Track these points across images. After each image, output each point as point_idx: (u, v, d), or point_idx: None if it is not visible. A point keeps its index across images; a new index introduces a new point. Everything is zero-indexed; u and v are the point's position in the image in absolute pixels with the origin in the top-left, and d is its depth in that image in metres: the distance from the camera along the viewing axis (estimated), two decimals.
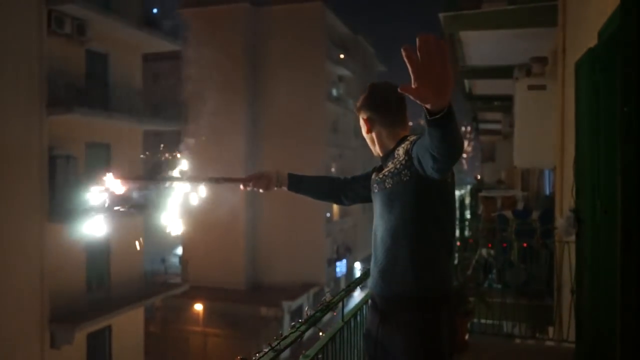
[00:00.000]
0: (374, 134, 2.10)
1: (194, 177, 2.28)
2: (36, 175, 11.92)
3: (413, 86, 1.25)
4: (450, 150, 1.49)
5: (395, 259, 1.91)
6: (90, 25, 13.06)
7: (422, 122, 1.48)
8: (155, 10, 16.22)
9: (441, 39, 1.25)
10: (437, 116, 1.35)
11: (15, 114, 11.51)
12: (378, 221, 2.01)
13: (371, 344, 2.00)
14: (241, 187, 2.30)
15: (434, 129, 1.40)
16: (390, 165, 1.98)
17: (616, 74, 2.71)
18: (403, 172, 1.90)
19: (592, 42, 3.56)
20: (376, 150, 2.14)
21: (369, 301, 2.12)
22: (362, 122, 2.15)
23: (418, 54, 1.23)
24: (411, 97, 1.29)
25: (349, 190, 2.34)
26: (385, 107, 2.09)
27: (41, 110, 11.98)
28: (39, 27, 11.92)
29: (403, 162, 1.90)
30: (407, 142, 1.94)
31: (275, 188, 2.31)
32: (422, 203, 1.90)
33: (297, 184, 2.34)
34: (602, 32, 3.36)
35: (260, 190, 2.31)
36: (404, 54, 1.24)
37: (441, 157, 1.52)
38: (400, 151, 1.94)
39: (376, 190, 2.03)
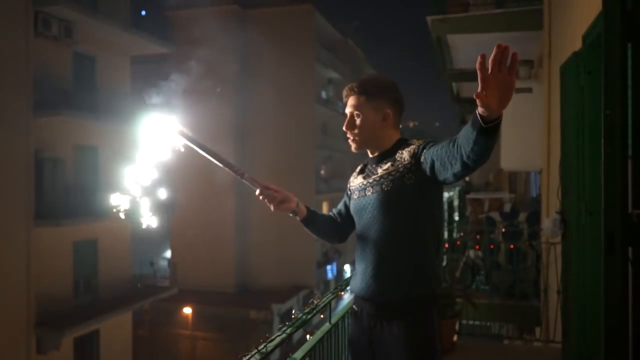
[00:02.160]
0: (381, 131, 2.01)
1: (227, 162, 2.03)
2: (23, 178, 11.80)
3: (480, 92, 1.37)
4: (484, 157, 1.56)
5: (392, 261, 1.91)
6: (77, 27, 12.97)
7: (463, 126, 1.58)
8: (143, 12, 16.13)
9: (515, 52, 1.34)
10: (492, 124, 1.43)
11: (1, 116, 11.39)
12: (370, 224, 1.97)
13: (360, 349, 1.99)
14: (257, 192, 2.08)
15: (483, 136, 1.46)
16: (387, 166, 1.96)
17: (599, 77, 2.75)
18: (407, 175, 1.90)
19: (577, 46, 3.61)
20: (373, 148, 2.04)
21: (353, 306, 2.07)
22: (381, 111, 2.00)
23: (491, 62, 1.33)
24: (478, 103, 1.39)
25: (344, 226, 2.24)
26: (401, 107, 2.06)
27: (28, 113, 11.87)
28: (25, 28, 11.82)
29: (408, 165, 1.90)
30: (412, 147, 1.93)
31: (290, 214, 2.16)
32: (422, 206, 1.92)
33: (311, 220, 2.21)
34: (586, 36, 3.41)
35: (271, 205, 2.09)
36: (479, 60, 1.34)
37: (472, 164, 1.58)
38: (405, 154, 1.93)
39: (369, 193, 1.99)
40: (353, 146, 2.05)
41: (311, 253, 26.70)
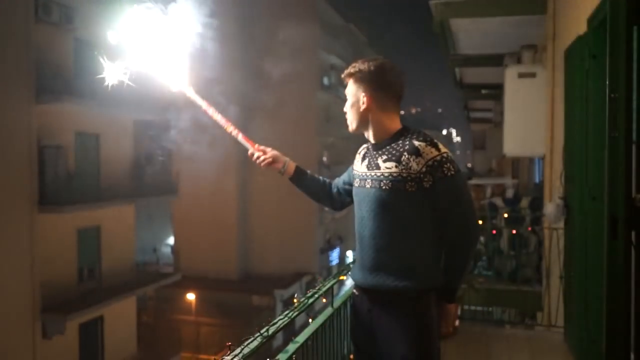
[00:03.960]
0: (370, 116, 2.00)
1: (223, 119, 2.27)
2: (25, 165, 11.82)
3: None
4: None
5: (387, 254, 1.91)
6: (78, 13, 12.88)
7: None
8: None
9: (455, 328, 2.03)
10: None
11: (2, 103, 11.37)
12: (367, 215, 1.97)
13: (361, 331, 2.01)
14: (249, 151, 2.28)
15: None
16: (391, 166, 1.91)
17: (604, 60, 2.72)
18: (409, 184, 1.87)
19: (582, 29, 3.57)
20: (369, 134, 2.03)
21: (354, 292, 2.09)
22: (359, 96, 2.00)
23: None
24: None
25: (340, 194, 2.26)
26: (391, 91, 2.00)
27: (29, 100, 11.85)
28: (26, 14, 11.75)
29: (413, 175, 1.86)
30: (421, 160, 1.86)
31: (280, 172, 2.26)
32: (422, 210, 1.90)
33: (300, 177, 2.29)
34: (591, 19, 3.37)
35: (261, 164, 2.24)
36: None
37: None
38: (413, 164, 1.86)
39: (368, 186, 1.97)
40: (349, 129, 2.13)
41: (314, 239, 26.78)
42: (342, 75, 2.08)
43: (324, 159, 29.04)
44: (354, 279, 2.07)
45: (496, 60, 7.69)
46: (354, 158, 2.17)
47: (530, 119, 5.83)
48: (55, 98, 12.10)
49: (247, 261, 26.57)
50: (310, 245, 26.58)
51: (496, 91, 10.89)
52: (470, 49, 8.05)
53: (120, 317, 14.56)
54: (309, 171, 2.33)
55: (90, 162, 13.86)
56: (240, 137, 2.26)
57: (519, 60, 6.64)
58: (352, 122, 2.07)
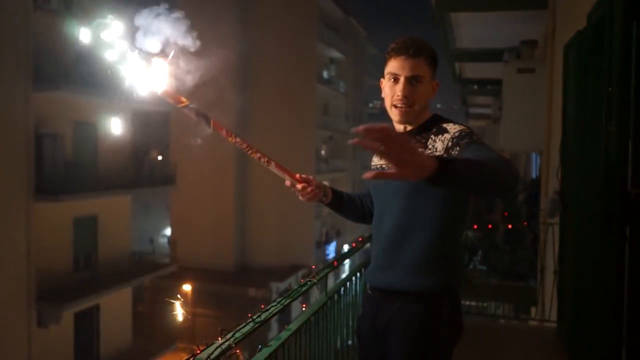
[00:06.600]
0: (426, 104, 1.83)
1: (254, 148, 1.93)
2: (22, 153, 11.79)
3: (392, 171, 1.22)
4: (483, 191, 1.62)
5: (400, 253, 1.81)
6: (77, 1, 12.82)
7: None
8: None
9: (386, 129, 1.16)
10: (434, 178, 1.26)
11: (0, 90, 11.32)
12: (386, 210, 1.85)
13: (364, 331, 1.94)
14: (287, 182, 2.01)
15: (440, 186, 1.34)
16: None
17: (603, 56, 2.72)
18: None
19: (581, 24, 3.56)
20: (413, 122, 1.83)
21: (368, 292, 2.01)
22: (431, 81, 1.81)
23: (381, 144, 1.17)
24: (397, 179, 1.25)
25: (369, 207, 2.14)
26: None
27: (27, 87, 11.80)
28: (25, 2, 11.68)
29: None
30: (447, 135, 1.72)
31: (321, 202, 2.06)
32: (445, 204, 1.77)
33: (338, 201, 2.12)
34: (591, 14, 3.36)
35: (301, 197, 2.01)
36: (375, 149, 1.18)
37: (484, 195, 1.53)
38: (438, 144, 1.72)
39: None
40: (402, 117, 1.80)
41: (310, 233, 26.82)
42: (412, 53, 1.75)
43: (322, 152, 29.02)
44: (366, 279, 1.99)
45: (496, 55, 7.69)
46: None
47: (529, 115, 5.83)
48: (54, 86, 12.06)
49: (243, 253, 26.61)
50: (306, 238, 26.62)
51: (495, 87, 10.88)
52: (469, 44, 8.03)
53: (116, 306, 14.59)
54: (342, 192, 2.16)
55: (88, 152, 13.84)
56: (274, 166, 1.94)
57: (518, 56, 6.63)
58: (413, 111, 1.79)
